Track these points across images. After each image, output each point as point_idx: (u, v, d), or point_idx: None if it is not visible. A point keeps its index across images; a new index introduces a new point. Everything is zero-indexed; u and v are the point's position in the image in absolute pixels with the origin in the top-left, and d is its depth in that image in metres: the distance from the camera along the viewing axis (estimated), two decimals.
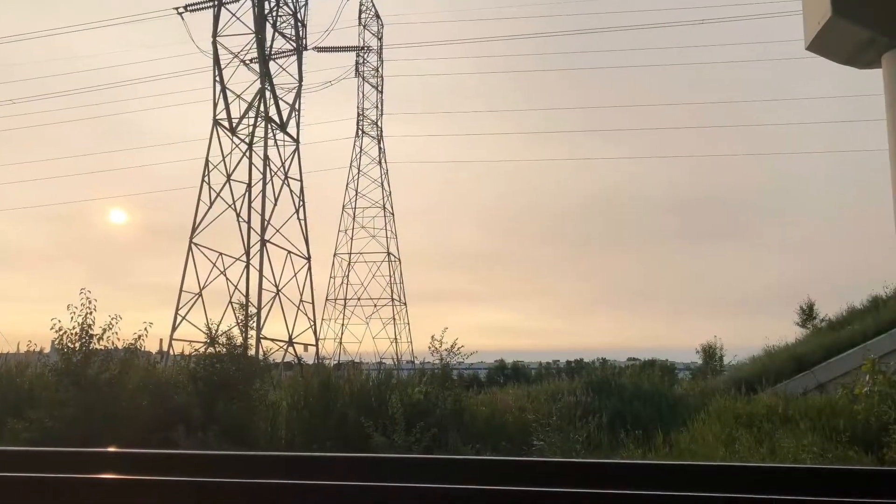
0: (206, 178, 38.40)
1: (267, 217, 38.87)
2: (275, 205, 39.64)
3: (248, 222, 38.39)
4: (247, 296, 36.49)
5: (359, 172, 62.12)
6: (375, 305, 61.36)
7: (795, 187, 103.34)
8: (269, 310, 37.84)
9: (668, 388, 24.44)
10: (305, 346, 40.30)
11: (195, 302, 37.05)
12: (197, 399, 18.83)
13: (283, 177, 40.38)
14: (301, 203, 41.33)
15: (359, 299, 61.97)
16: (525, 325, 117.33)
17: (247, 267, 37.79)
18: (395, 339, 60.84)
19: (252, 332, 30.67)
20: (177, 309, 37.01)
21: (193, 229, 37.85)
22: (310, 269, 41.68)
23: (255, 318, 35.19)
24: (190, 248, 37.54)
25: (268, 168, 39.60)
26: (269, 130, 40.10)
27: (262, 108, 39.68)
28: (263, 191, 39.16)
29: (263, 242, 38.31)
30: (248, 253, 38.09)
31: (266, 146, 39.73)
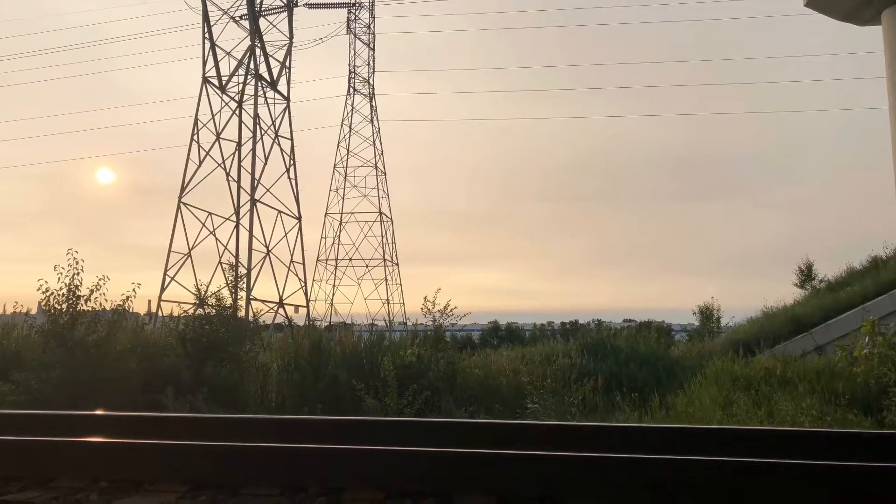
0: (195, 137, 37.90)
1: (257, 176, 38.47)
2: (265, 164, 39.25)
3: (238, 182, 37.96)
4: (237, 257, 36.17)
5: (350, 131, 61.61)
6: (367, 266, 61.18)
7: (794, 146, 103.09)
8: (259, 270, 37.60)
9: (665, 350, 24.22)
10: (296, 307, 40.07)
11: (184, 263, 36.75)
12: (186, 361, 18.57)
13: (273, 135, 39.91)
14: (292, 162, 40.94)
15: (350, 260, 61.78)
16: (520, 286, 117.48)
17: (237, 227, 37.43)
18: (388, 300, 60.70)
19: (242, 294, 30.35)
20: (165, 270, 36.71)
21: (182, 189, 37.38)
22: (300, 229, 41.35)
23: (245, 279, 34.90)
24: (179, 208, 37.09)
25: (258, 126, 39.13)
26: (260, 88, 39.56)
27: (251, 66, 39.12)
28: (253, 150, 38.75)
29: (253, 202, 37.91)
30: (237, 213, 37.70)
31: (256, 104, 39.21)
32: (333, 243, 62.22)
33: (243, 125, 38.63)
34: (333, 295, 61.00)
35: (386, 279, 61.35)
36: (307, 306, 41.28)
